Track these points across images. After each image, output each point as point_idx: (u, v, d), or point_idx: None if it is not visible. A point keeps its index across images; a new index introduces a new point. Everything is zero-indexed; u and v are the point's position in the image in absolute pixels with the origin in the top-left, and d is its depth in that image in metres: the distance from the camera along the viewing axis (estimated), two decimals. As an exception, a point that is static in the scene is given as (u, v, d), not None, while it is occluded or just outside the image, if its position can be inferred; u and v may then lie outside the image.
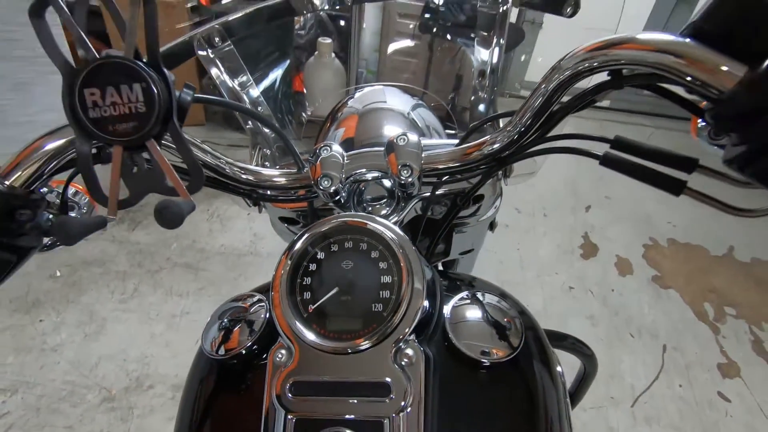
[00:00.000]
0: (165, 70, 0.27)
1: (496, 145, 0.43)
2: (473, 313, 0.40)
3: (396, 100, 0.69)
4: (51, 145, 0.34)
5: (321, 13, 2.66)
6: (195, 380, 0.42)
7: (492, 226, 0.78)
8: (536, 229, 2.22)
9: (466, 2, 0.73)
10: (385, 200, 0.51)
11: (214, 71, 0.57)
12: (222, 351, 0.40)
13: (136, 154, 0.28)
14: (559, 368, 0.46)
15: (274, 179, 0.47)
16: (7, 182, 0.33)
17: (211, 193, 2.16)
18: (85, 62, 0.26)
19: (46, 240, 0.42)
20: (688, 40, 0.29)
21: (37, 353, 1.39)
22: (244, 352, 0.40)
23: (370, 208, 0.50)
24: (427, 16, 0.90)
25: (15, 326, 1.46)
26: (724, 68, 0.27)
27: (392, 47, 0.99)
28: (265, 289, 0.47)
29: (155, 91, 0.27)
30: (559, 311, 1.77)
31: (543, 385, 0.40)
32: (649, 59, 0.30)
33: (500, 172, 0.61)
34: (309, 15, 2.85)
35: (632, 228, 2.31)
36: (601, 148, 0.40)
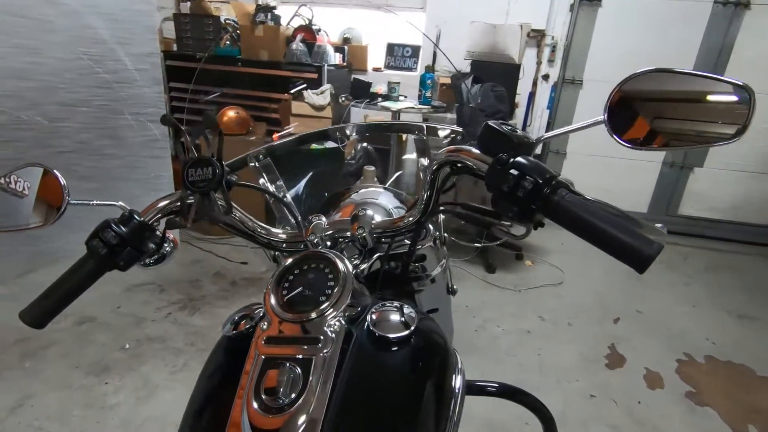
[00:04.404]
0: (221, 163, 0.59)
1: (411, 218, 0.70)
2: (392, 315, 0.63)
3: (385, 198, 0.99)
4: (165, 202, 0.67)
5: (368, 146, 3.24)
6: (217, 348, 0.66)
7: (451, 290, 0.99)
8: (559, 336, 2.26)
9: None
10: (356, 255, 0.77)
11: (257, 176, 0.92)
12: (233, 332, 0.65)
13: (205, 198, 0.59)
14: (456, 361, 0.64)
15: (279, 235, 0.76)
16: (143, 218, 0.65)
17: (252, 293, 2.50)
18: (191, 158, 0.59)
19: (149, 260, 0.72)
20: (477, 151, 0.57)
21: (98, 410, 1.64)
22: (244, 332, 0.64)
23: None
24: None
25: (86, 386, 1.74)
26: (485, 160, 0.54)
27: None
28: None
29: (216, 171, 0.58)
30: (579, 417, 1.74)
31: (426, 358, 0.59)
32: (462, 157, 0.58)
33: (438, 241, 0.85)
34: (359, 147, 3.44)
35: (665, 342, 2.26)
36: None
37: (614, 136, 0.52)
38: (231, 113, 2.91)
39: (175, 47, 3.54)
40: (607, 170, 3.52)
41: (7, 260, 2.30)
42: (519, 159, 0.51)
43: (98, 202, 0.68)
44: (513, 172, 0.50)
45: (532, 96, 3.56)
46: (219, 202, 0.63)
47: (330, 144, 2.99)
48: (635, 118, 0.51)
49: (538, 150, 3.64)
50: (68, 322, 2.09)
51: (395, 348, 0.59)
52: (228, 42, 3.38)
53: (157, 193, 2.77)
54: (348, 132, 0.92)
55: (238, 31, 3.40)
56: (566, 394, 1.86)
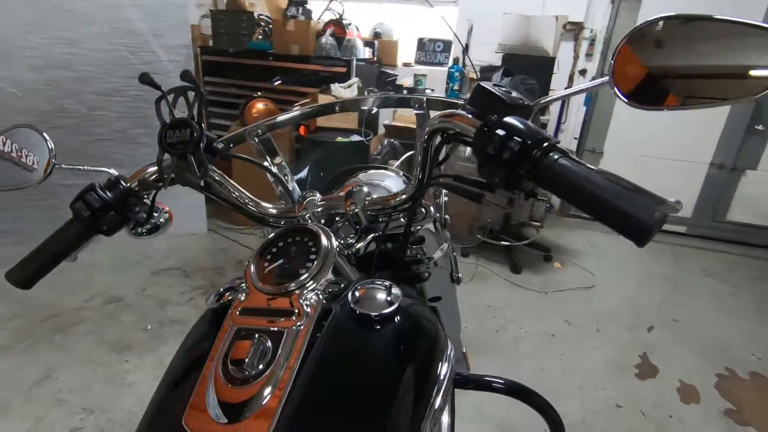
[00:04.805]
0: (200, 125, 0.57)
1: (404, 195, 0.66)
2: (377, 294, 0.59)
3: (392, 182, 0.95)
4: (152, 168, 0.66)
5: (394, 141, 3.22)
6: (200, 321, 0.65)
7: (455, 279, 0.93)
8: (586, 342, 2.14)
9: None
10: (352, 235, 0.74)
11: (257, 151, 0.90)
12: (215, 304, 0.63)
13: (181, 160, 0.58)
14: (445, 349, 0.60)
15: (270, 210, 0.74)
16: (130, 184, 0.64)
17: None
18: (169, 121, 0.58)
19: (141, 230, 0.72)
20: (469, 114, 0.52)
21: (117, 385, 1.69)
22: (226, 303, 0.62)
23: (340, 236, 0.73)
24: None
25: (108, 362, 1.80)
26: (472, 123, 0.50)
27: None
28: None
29: (193, 133, 0.57)
30: (602, 427, 1.63)
31: (408, 341, 0.55)
32: (454, 122, 0.53)
33: (438, 224, 0.80)
34: (386, 143, 3.45)
35: (703, 355, 2.09)
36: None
37: (621, 97, 0.46)
38: (260, 105, 2.96)
39: (211, 43, 3.64)
40: (647, 171, 3.31)
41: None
42: (508, 119, 0.46)
43: (88, 167, 0.68)
44: (500, 132, 0.45)
45: (567, 92, 3.41)
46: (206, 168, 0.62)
47: (355, 138, 2.99)
48: (645, 76, 0.45)
49: (573, 145, 3.49)
50: (97, 302, 2.18)
51: (375, 327, 0.55)
52: (260, 36, 3.44)
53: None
54: (362, 106, 0.88)
55: (270, 26, 3.45)
56: (589, 402, 1.75)
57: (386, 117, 3.68)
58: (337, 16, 3.44)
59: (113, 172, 0.67)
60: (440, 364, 0.59)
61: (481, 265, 2.77)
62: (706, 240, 3.34)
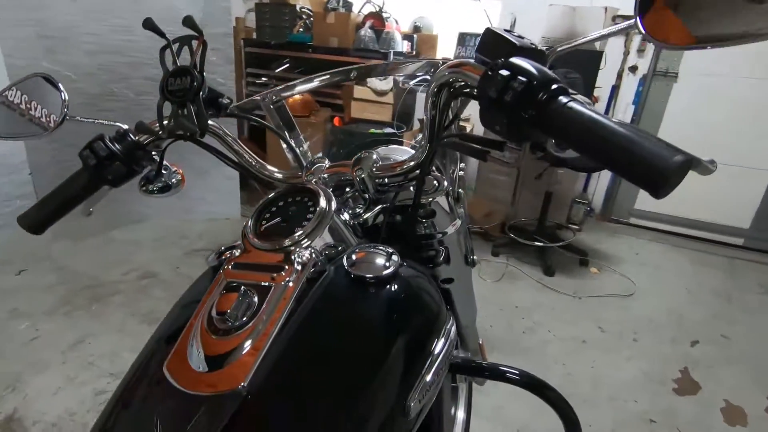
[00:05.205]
0: (201, 74, 0.57)
1: (413, 162, 0.62)
2: (375, 258, 0.56)
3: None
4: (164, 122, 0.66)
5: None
6: (199, 279, 0.64)
7: (469, 261, 0.88)
8: (621, 351, 2.00)
9: None
10: (361, 205, 0.72)
11: (272, 118, 0.89)
12: (215, 262, 0.63)
13: (180, 108, 0.57)
14: (444, 325, 0.56)
15: (276, 174, 0.73)
16: (139, 138, 0.65)
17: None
18: (172, 69, 0.57)
19: (152, 187, 0.72)
20: (472, 60, 0.48)
21: (143, 355, 1.75)
22: (224, 260, 0.61)
23: (349, 206, 0.71)
24: None
25: (138, 332, 1.88)
26: (477, 69, 0.46)
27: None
28: None
29: (193, 81, 0.56)
30: (631, 441, 1.51)
31: (401, 309, 0.52)
32: (462, 72, 0.49)
33: (452, 199, 0.76)
34: (419, 137, 3.38)
35: (755, 375, 1.91)
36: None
37: (648, 36, 0.41)
38: (296, 96, 3.00)
39: (255, 35, 3.74)
40: (701, 177, 3.07)
41: (89, 219, 2.57)
42: (513, 59, 0.42)
43: (100, 120, 0.69)
44: (503, 72, 0.41)
45: (615, 89, 3.23)
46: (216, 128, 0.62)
47: (388, 130, 2.97)
48: (675, 13, 0.40)
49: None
50: (133, 276, 2.28)
51: (368, 290, 0.52)
52: (301, 29, 3.50)
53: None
54: (377, 72, 0.85)
55: (311, 18, 3.50)
56: (620, 414, 1.63)
57: (422, 113, 3.64)
58: (377, 9, 3.43)
59: (124, 126, 0.68)
60: (436, 338, 0.55)
61: (512, 265, 2.67)
62: (766, 254, 3.05)
